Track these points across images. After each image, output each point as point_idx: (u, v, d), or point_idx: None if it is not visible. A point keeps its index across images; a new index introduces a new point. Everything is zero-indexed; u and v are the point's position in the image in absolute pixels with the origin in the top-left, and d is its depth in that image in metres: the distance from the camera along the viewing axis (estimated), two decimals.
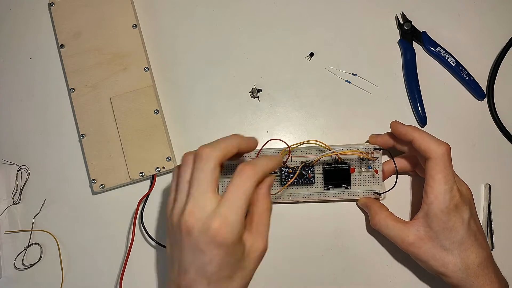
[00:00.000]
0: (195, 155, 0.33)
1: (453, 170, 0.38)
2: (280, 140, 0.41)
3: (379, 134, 0.43)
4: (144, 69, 0.46)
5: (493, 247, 0.44)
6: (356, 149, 0.42)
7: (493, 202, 0.45)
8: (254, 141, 0.37)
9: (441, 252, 0.38)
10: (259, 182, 0.33)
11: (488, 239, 0.44)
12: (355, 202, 0.45)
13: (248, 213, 0.34)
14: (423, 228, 0.38)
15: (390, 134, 0.42)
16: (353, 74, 0.46)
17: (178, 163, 0.45)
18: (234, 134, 0.36)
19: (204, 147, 0.33)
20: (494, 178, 0.46)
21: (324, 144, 0.42)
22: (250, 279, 0.34)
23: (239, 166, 0.33)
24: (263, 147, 0.42)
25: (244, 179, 0.32)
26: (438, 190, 0.37)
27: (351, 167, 0.43)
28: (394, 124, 0.41)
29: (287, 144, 0.41)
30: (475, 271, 0.37)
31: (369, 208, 0.42)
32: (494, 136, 0.47)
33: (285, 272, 0.44)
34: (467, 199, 0.39)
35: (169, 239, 0.34)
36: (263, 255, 0.34)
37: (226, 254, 0.31)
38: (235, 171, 0.33)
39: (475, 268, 0.37)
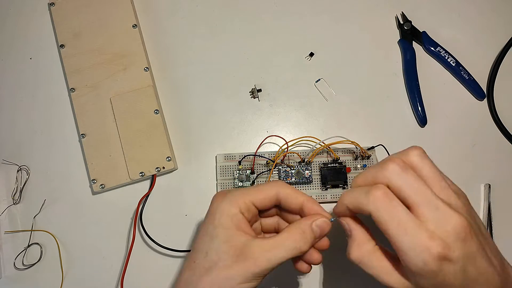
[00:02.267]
0: None
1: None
2: (278, 136, 0.45)
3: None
4: (144, 69, 0.46)
5: None
6: (351, 141, 0.43)
7: (493, 202, 0.45)
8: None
9: None
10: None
11: None
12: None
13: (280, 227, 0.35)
14: (410, 282, 0.28)
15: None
16: (317, 80, 0.46)
17: (178, 163, 0.46)
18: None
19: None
20: (494, 178, 0.46)
21: (316, 138, 0.44)
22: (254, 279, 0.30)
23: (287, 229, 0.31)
24: (262, 143, 0.44)
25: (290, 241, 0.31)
26: (402, 248, 0.26)
27: (347, 166, 0.44)
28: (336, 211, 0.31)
29: (285, 140, 0.43)
30: None
31: (351, 234, 0.31)
32: (494, 136, 0.47)
33: (287, 275, 0.44)
34: (457, 232, 0.26)
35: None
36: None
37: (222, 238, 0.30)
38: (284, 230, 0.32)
39: None
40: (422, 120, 0.46)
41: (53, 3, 0.47)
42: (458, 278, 0.26)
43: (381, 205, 0.27)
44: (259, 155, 0.44)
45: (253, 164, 0.44)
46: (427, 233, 0.26)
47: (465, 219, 0.26)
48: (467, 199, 0.29)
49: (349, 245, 0.31)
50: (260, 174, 0.44)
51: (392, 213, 0.26)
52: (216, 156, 0.45)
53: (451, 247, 0.26)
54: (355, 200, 0.28)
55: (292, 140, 0.44)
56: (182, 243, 0.43)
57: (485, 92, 0.47)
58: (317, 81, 0.45)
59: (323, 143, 0.43)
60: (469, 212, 0.28)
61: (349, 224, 0.31)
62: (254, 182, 0.44)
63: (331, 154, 0.44)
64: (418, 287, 0.28)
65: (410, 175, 0.27)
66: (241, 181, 0.44)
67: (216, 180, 0.45)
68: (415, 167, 0.28)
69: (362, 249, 0.30)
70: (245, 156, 0.44)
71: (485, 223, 0.44)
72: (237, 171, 0.44)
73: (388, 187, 0.28)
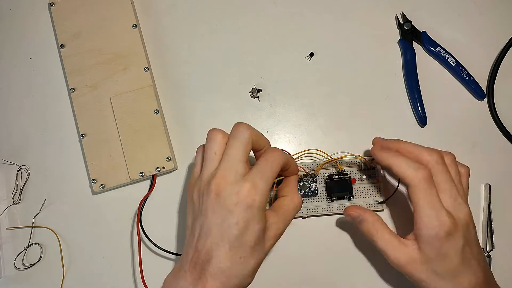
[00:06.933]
0: (234, 128, 0.35)
1: (437, 195, 0.35)
2: (282, 150, 0.39)
3: (375, 149, 0.40)
4: (144, 69, 0.46)
5: (493, 247, 0.44)
6: (355, 155, 0.42)
7: (493, 202, 0.45)
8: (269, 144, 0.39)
9: (434, 277, 0.35)
10: (284, 167, 0.36)
11: (488, 239, 0.44)
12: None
13: (276, 200, 0.38)
14: (416, 251, 0.36)
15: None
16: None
17: (178, 163, 0.46)
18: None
19: (240, 123, 0.35)
20: (494, 178, 0.46)
21: (323, 152, 0.43)
22: (264, 258, 0.35)
23: (268, 149, 0.36)
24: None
25: (275, 155, 0.35)
26: (424, 217, 0.34)
27: (352, 177, 0.43)
28: (372, 151, 0.39)
29: (288, 153, 0.40)
30: None
31: (364, 216, 0.39)
32: (494, 136, 0.47)
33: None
34: (462, 224, 0.35)
35: (192, 209, 0.35)
36: (280, 236, 0.36)
37: (252, 219, 0.32)
38: (266, 151, 0.36)
39: None
40: (422, 120, 0.46)
41: (53, 3, 0.47)
42: (457, 253, 0.34)
43: (423, 184, 0.34)
44: None
45: None
46: (446, 211, 0.34)
47: (471, 213, 0.36)
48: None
49: (360, 224, 0.39)
50: None
51: (428, 192, 0.34)
52: None
53: (459, 228, 0.34)
54: (401, 168, 0.36)
55: (296, 154, 0.44)
56: (181, 244, 0.43)
57: (485, 92, 0.47)
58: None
59: (331, 157, 0.42)
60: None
61: (360, 211, 0.39)
62: None
63: (336, 166, 0.43)
64: (423, 255, 0.35)
65: (445, 168, 0.36)
66: None
67: None
68: (447, 166, 0.37)
69: (373, 224, 0.38)
70: None
71: (485, 223, 0.44)
72: None
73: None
